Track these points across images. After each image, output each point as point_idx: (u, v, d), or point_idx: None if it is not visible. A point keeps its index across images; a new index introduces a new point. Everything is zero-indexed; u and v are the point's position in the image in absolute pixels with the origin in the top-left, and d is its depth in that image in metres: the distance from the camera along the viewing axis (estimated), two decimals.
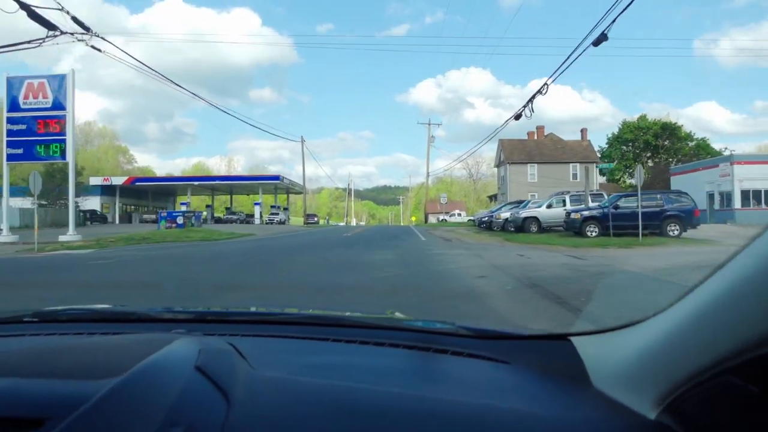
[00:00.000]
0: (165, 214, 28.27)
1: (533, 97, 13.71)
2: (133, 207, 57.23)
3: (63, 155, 20.81)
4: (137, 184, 54.54)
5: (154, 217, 39.17)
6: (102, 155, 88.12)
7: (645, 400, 0.67)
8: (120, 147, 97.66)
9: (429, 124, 47.36)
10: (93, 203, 49.01)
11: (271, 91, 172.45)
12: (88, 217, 43.70)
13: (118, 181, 53.17)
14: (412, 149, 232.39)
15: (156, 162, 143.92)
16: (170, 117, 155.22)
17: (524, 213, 22.02)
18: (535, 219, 21.54)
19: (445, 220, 60.06)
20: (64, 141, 20.74)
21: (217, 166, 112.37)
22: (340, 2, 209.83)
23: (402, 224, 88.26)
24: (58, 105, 20.86)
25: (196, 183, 54.67)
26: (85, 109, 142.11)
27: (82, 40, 12.71)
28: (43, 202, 39.59)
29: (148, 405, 0.60)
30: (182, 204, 54.21)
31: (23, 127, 20.84)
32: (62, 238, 20.17)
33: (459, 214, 66.03)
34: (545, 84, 12.66)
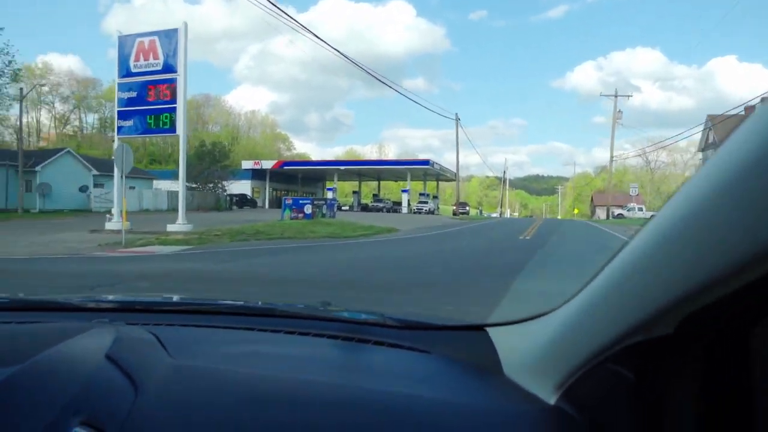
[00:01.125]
0: (290, 201, 23.41)
1: None
2: (283, 191, 56.47)
3: (173, 127, 17.25)
4: (286, 167, 53.26)
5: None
6: (261, 141, 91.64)
7: (547, 387, 0.70)
8: (280, 134, 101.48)
9: (615, 96, 38.05)
10: (244, 187, 48.46)
11: (424, 81, 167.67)
12: (235, 201, 42.42)
13: (268, 164, 52.25)
14: (568, 137, 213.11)
15: (315, 150, 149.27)
16: (329, 108, 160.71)
17: None
18: None
19: (622, 215, 49.50)
20: (174, 110, 17.17)
21: (369, 153, 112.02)
22: None
23: (560, 217, 78.01)
24: (169, 67, 17.29)
25: (342, 167, 51.73)
26: (254, 100, 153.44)
27: None
28: (193, 185, 39.02)
29: (48, 393, 0.60)
30: (329, 189, 51.83)
31: (133, 94, 17.70)
32: (170, 227, 16.77)
33: (640, 209, 54.37)
34: None
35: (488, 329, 0.98)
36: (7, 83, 26.49)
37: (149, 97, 17.37)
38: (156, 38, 17.38)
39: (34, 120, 71.66)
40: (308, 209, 22.33)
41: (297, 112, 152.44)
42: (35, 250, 11.76)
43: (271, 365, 0.87)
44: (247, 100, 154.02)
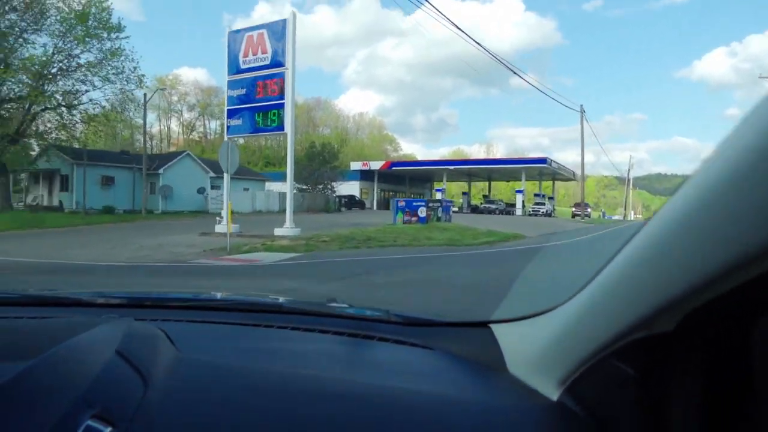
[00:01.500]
0: (403, 203, 21.31)
1: None
2: (391, 192, 55.44)
3: (281, 125, 16.27)
4: (394, 168, 52.20)
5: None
6: (369, 143, 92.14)
7: (550, 383, 0.71)
8: (387, 136, 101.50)
9: None
10: (353, 188, 48.03)
11: (532, 77, 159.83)
12: (344, 203, 41.92)
13: (376, 165, 51.53)
14: (694, 132, 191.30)
15: (421, 151, 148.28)
16: (435, 109, 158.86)
17: None
18: None
19: None
20: (282, 106, 16.17)
21: (476, 152, 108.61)
22: None
23: None
24: (277, 61, 16.33)
25: (451, 167, 49.55)
26: (362, 103, 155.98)
27: None
28: (303, 187, 39.00)
29: (61, 387, 0.61)
30: (437, 190, 49.91)
31: (242, 91, 17.00)
32: (277, 231, 15.82)
33: None
34: None
35: (492, 326, 0.99)
36: (133, 89, 27.69)
37: (257, 94, 16.57)
38: (264, 31, 16.55)
39: (165, 127, 77.82)
40: (422, 212, 20.37)
41: (403, 113, 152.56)
42: (139, 255, 11.10)
43: (278, 360, 0.89)
44: (356, 102, 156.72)
